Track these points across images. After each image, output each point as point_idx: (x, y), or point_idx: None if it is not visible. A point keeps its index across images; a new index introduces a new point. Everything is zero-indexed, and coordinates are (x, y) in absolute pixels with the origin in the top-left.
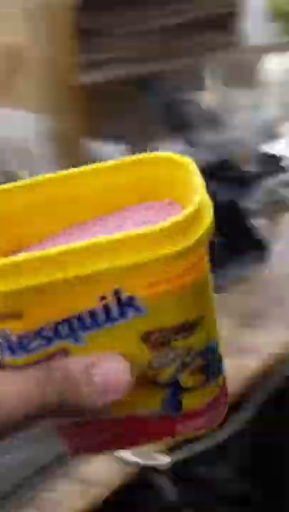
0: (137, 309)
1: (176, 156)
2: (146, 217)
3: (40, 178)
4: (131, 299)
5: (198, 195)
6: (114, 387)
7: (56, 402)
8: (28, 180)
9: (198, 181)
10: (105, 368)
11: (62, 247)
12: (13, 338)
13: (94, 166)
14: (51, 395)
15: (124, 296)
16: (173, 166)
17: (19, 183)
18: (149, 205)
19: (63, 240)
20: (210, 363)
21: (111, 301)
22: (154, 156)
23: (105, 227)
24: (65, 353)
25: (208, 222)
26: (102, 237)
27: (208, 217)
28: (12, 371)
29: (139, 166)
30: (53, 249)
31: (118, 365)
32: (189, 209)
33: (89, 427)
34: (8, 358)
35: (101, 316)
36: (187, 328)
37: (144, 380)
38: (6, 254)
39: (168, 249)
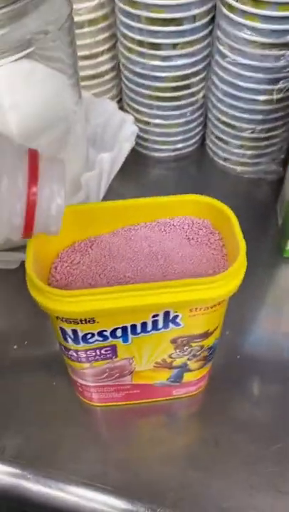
0: (177, 324)
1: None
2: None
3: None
4: (175, 317)
5: (241, 258)
6: None
7: None
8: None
9: (242, 239)
10: None
11: (132, 286)
12: (80, 334)
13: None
14: None
15: (170, 315)
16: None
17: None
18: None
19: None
20: (210, 354)
21: (160, 317)
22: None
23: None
24: (113, 347)
25: (241, 279)
26: (162, 282)
27: (241, 274)
28: None
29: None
30: (126, 287)
31: None
32: (234, 267)
33: (112, 387)
34: (70, 343)
35: (149, 327)
36: (205, 335)
37: (162, 364)
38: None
39: (209, 295)
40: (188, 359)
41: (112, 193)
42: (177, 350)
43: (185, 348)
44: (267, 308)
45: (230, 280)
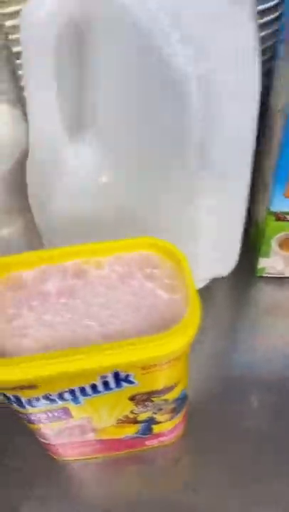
0: (130, 382)
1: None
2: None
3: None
4: (127, 376)
5: (192, 307)
6: None
7: None
8: None
9: (192, 285)
10: None
11: (75, 350)
12: (23, 399)
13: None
14: None
15: (121, 375)
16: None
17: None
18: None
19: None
20: (179, 405)
21: (110, 378)
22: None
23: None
24: (65, 409)
25: (196, 326)
26: (105, 344)
27: (196, 321)
28: None
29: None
30: (65, 351)
31: None
32: (186, 318)
33: (77, 443)
34: (17, 407)
35: (100, 388)
36: (166, 390)
37: (126, 420)
38: None
39: (161, 352)
40: (154, 413)
41: None
42: (138, 406)
43: (146, 403)
44: (244, 330)
45: (184, 332)
